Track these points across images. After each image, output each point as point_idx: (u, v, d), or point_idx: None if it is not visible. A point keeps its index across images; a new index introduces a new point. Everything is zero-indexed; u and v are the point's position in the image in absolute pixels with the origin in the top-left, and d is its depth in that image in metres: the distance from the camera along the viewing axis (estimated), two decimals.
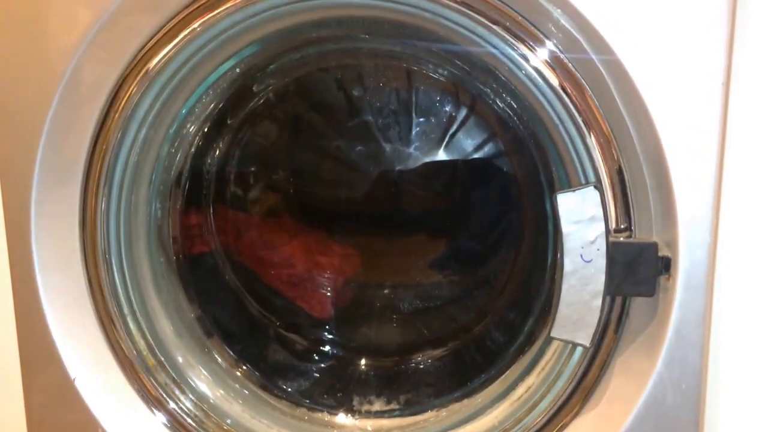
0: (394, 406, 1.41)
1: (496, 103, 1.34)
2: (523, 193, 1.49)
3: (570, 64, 1.00)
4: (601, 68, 0.96)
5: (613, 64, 0.94)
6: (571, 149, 1.04)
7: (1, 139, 1.10)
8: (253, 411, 1.32)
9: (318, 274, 1.62)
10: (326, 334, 1.59)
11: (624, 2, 0.93)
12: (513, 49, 1.02)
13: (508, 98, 1.27)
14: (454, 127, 1.51)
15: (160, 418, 1.23)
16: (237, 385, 1.36)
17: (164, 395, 1.23)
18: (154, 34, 1.08)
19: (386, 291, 1.63)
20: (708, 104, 0.93)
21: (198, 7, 1.08)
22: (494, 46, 1.04)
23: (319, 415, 1.38)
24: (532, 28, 1.01)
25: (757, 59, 0.98)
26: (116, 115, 1.11)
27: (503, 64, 1.05)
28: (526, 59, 1.02)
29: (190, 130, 1.32)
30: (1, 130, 1.10)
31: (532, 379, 1.20)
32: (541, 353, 1.21)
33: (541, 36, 1.00)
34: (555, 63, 1.00)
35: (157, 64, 1.10)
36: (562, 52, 1.00)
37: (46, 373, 1.17)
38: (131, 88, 1.10)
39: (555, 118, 1.04)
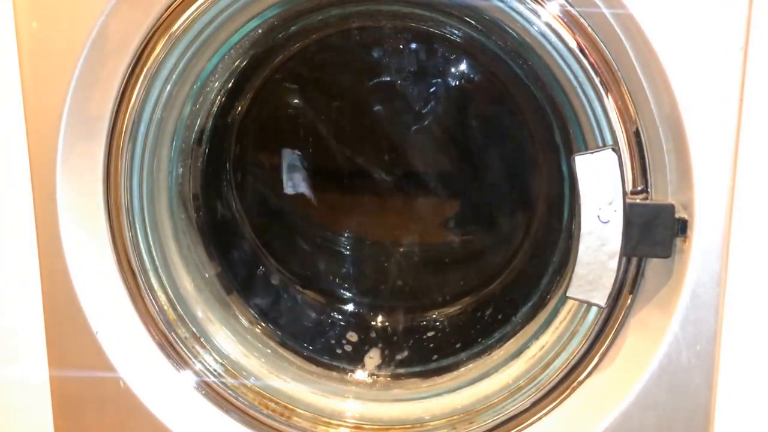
0: (409, 363, 1.43)
1: (515, 65, 1.34)
2: (539, 154, 1.49)
3: (584, 21, 1.00)
4: (614, 24, 0.96)
5: (626, 18, 0.94)
6: (588, 111, 1.05)
7: (29, 93, 1.10)
8: (271, 366, 1.33)
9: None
10: (343, 291, 1.61)
11: None
12: (521, 2, 1.03)
13: (526, 60, 1.26)
14: (472, 88, 1.51)
15: (181, 371, 1.24)
16: (256, 341, 1.37)
17: (185, 349, 1.25)
18: None
19: (402, 249, 1.64)
20: (726, 65, 0.93)
21: None
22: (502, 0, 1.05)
23: (336, 371, 1.40)
24: None
25: None
26: (141, 73, 1.12)
27: (515, 21, 1.06)
28: (537, 14, 1.02)
29: (213, 87, 1.33)
30: (28, 85, 1.10)
31: (546, 338, 1.22)
32: (555, 312, 1.22)
33: None
34: (566, 18, 1.01)
35: (182, 23, 1.10)
36: (572, 6, 1.00)
37: (69, 327, 1.18)
38: (156, 47, 1.11)
39: (573, 80, 1.04)
